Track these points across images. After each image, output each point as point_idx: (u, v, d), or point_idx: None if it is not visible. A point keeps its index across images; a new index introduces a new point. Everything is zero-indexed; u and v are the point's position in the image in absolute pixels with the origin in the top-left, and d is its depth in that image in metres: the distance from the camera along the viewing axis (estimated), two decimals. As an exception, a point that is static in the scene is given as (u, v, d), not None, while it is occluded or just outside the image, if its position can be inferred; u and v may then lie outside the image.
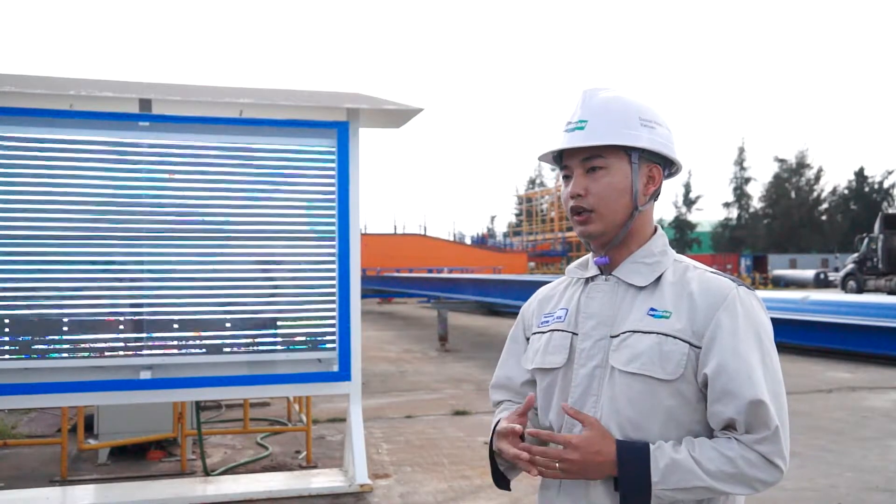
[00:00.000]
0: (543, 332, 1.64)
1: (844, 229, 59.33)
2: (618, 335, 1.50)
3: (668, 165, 1.59)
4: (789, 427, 1.45)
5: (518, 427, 1.49)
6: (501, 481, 1.67)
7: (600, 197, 1.51)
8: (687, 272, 1.53)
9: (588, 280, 1.61)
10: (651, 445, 1.42)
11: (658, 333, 1.46)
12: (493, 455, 1.62)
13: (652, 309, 1.49)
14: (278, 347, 4.86)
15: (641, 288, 1.53)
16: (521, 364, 1.71)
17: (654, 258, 1.55)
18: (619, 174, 1.52)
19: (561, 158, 1.58)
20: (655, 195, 1.57)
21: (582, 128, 1.52)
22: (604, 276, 1.58)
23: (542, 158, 1.66)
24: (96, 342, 4.56)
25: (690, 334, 1.45)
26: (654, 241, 1.57)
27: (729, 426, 1.42)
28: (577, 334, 1.56)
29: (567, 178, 1.57)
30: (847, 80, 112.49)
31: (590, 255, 1.63)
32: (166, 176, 4.69)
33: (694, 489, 1.40)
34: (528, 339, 1.72)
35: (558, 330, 1.60)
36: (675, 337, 1.45)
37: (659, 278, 1.53)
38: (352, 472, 4.97)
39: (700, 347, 1.44)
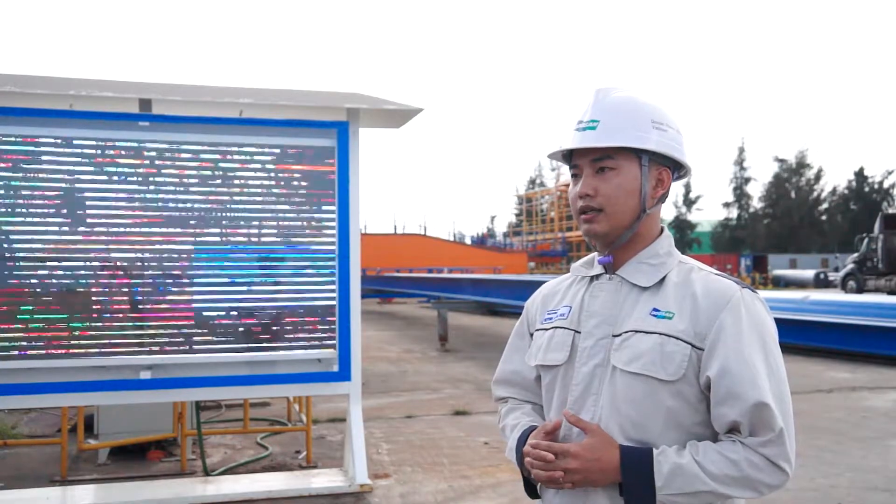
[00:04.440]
0: (546, 329, 1.63)
1: (844, 229, 59.32)
2: (620, 335, 1.50)
3: (677, 168, 1.59)
4: None
5: (550, 457, 1.45)
6: (533, 492, 1.63)
7: (609, 198, 1.51)
8: (691, 273, 1.53)
9: (592, 278, 1.61)
10: (654, 450, 1.41)
11: (660, 334, 1.45)
12: (521, 463, 1.56)
13: (655, 309, 1.48)
14: (278, 347, 4.86)
15: (645, 288, 1.52)
16: (525, 360, 1.71)
17: (659, 259, 1.55)
18: (629, 176, 1.51)
19: (570, 157, 1.58)
20: (663, 198, 1.57)
21: (593, 128, 1.51)
22: (608, 275, 1.58)
23: (551, 156, 1.65)
24: (96, 342, 4.56)
25: (693, 335, 1.44)
26: (659, 242, 1.57)
27: (733, 429, 1.42)
28: (579, 332, 1.56)
29: (576, 176, 1.56)
30: (847, 80, 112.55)
31: (595, 253, 1.62)
32: (165, 176, 4.69)
33: (698, 494, 1.39)
34: (531, 335, 1.71)
35: (561, 327, 1.60)
36: (676, 338, 1.44)
37: (663, 279, 1.52)
38: (352, 472, 4.97)
39: (702, 349, 1.43)
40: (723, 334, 1.43)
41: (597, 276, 1.60)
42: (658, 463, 1.39)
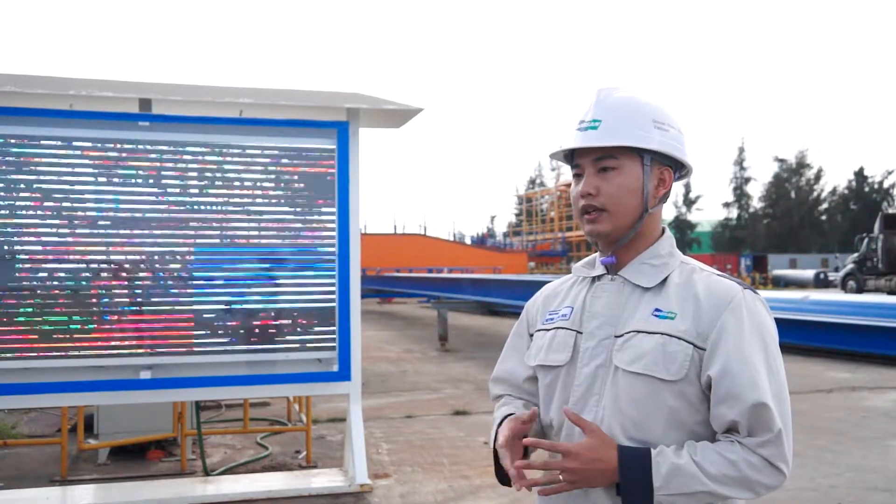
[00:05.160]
0: (548, 330, 1.63)
1: (844, 229, 59.33)
2: (622, 335, 1.50)
3: (678, 168, 1.59)
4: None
5: (521, 441, 1.49)
6: (504, 479, 1.63)
7: (611, 197, 1.51)
8: (693, 274, 1.53)
9: (594, 279, 1.61)
10: (653, 450, 1.41)
11: (662, 334, 1.45)
12: (496, 452, 1.60)
13: (657, 309, 1.49)
14: (278, 347, 4.86)
15: (647, 289, 1.52)
16: (523, 360, 1.71)
17: (661, 259, 1.55)
18: (631, 175, 1.51)
19: (572, 157, 1.58)
20: (665, 197, 1.57)
21: (595, 127, 1.52)
22: (610, 276, 1.58)
23: (553, 156, 1.65)
24: (97, 341, 4.56)
25: (695, 335, 1.44)
26: (661, 243, 1.57)
27: (731, 429, 1.42)
28: (581, 333, 1.56)
29: (578, 176, 1.57)
30: (847, 80, 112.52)
31: (597, 253, 1.63)
32: (166, 176, 4.69)
33: (696, 494, 1.39)
34: (531, 335, 1.71)
35: (563, 328, 1.60)
36: (679, 338, 1.44)
37: (665, 280, 1.52)
38: (352, 472, 4.97)
39: (704, 349, 1.44)
40: (724, 335, 1.43)
41: (598, 277, 1.60)
42: (656, 464, 1.39)
